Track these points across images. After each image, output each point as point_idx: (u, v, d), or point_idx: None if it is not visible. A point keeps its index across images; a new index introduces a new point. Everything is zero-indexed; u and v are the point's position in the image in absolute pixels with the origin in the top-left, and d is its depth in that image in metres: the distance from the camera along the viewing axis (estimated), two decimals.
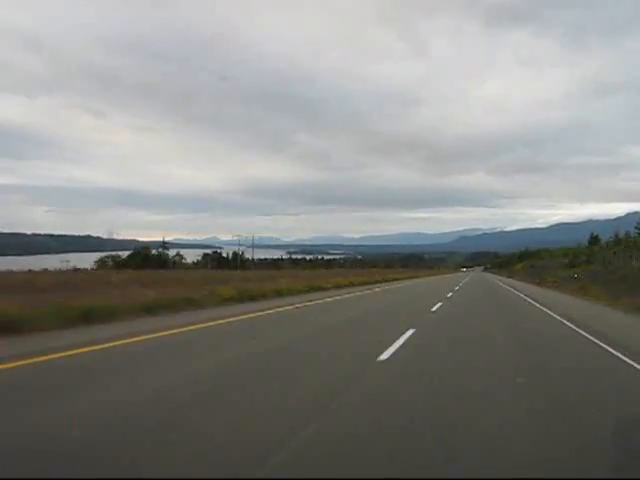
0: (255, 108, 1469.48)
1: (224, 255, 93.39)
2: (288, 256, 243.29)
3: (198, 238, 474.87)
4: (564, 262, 51.29)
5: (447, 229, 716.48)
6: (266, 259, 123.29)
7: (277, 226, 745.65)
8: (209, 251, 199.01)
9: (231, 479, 3.25)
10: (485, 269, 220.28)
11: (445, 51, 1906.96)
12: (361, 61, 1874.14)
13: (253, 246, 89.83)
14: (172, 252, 79.11)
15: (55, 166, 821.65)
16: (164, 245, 75.57)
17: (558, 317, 15.09)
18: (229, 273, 39.63)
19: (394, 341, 9.16)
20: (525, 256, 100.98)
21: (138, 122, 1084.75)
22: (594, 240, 69.83)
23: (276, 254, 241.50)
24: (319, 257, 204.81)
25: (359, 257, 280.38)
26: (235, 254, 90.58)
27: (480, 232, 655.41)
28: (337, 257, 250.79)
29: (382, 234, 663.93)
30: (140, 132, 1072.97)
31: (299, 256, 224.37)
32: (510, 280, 57.79)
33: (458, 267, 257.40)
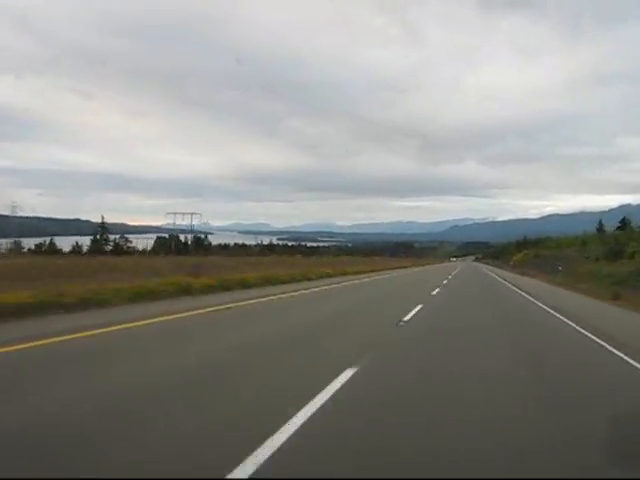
0: (248, 93, 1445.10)
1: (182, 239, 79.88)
2: (277, 243, 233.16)
3: (191, 223, 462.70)
4: (586, 251, 38.00)
5: (439, 218, 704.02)
6: (236, 244, 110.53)
7: (269, 212, 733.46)
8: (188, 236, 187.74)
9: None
10: (476, 259, 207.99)
11: (438, 37, 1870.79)
12: (354, 46, 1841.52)
13: (192, 231, 75.54)
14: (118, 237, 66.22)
15: (45, 149, 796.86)
16: (103, 226, 62.59)
17: None
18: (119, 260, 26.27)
19: None
20: (524, 245, 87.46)
21: (130, 105, 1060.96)
22: (622, 225, 56.36)
23: (266, 241, 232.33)
24: (303, 244, 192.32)
25: (349, 245, 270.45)
26: (197, 239, 77.63)
27: (471, 222, 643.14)
28: (327, 245, 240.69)
29: (374, 222, 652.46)
30: (132, 115, 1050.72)
31: (290, 243, 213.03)
32: (541, 286, 27.06)
33: (448, 257, 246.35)
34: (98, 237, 60.17)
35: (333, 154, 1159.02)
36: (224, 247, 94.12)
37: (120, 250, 60.68)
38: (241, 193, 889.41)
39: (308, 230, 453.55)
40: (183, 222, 78.12)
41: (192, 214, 72.08)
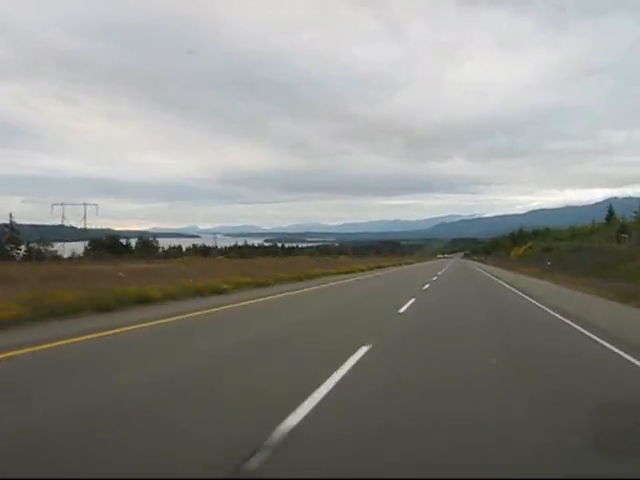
0: (229, 93, 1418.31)
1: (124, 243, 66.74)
2: (265, 244, 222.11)
3: (178, 227, 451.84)
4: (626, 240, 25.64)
5: (426, 216, 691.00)
6: (195, 247, 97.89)
7: (256, 214, 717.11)
8: (186, 240, 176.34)
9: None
10: (465, 256, 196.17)
11: (422, 33, 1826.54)
12: (336, 43, 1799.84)
13: (85, 230, 61.61)
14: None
15: (28, 155, 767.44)
16: (11, 228, 49.93)
17: None
18: None
19: None
20: (521, 238, 73.88)
21: (111, 109, 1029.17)
22: None
23: (254, 242, 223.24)
24: (290, 245, 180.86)
25: (336, 245, 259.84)
26: (143, 242, 64.89)
27: (458, 219, 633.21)
28: (313, 245, 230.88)
29: (362, 221, 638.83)
30: (114, 119, 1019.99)
31: (266, 244, 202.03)
32: None
33: (436, 254, 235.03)
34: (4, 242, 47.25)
35: (319, 153, 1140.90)
36: (178, 251, 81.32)
37: (37, 257, 47.83)
38: (227, 195, 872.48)
39: (296, 231, 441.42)
40: (167, 226, 65.30)
41: (85, 205, 58.95)
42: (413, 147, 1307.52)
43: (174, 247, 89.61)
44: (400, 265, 61.12)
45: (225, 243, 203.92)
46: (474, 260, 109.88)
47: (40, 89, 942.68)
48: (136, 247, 62.07)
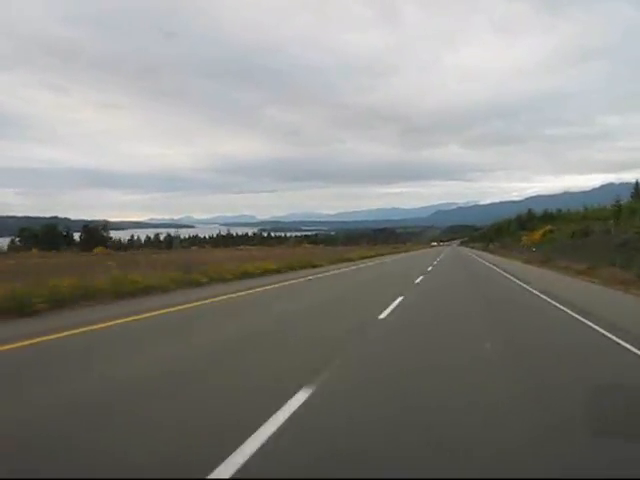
0: (224, 81, 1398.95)
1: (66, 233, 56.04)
2: (262, 234, 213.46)
3: (174, 217, 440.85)
4: None
5: (423, 204, 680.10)
6: (158, 239, 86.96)
7: (252, 204, 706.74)
8: (183, 231, 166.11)
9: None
10: (462, 243, 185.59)
11: (417, 18, 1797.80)
12: (331, 31, 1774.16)
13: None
14: None
15: (19, 146, 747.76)
16: None
17: None
18: None
19: None
20: (531, 221, 62.77)
21: (104, 99, 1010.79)
22: None
23: (249, 232, 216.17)
24: (285, 234, 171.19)
25: (332, 233, 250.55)
26: (89, 231, 54.39)
27: (455, 206, 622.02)
28: (310, 234, 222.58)
29: (358, 210, 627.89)
30: (106, 109, 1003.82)
31: (273, 234, 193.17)
32: None
33: (432, 241, 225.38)
34: None
35: (314, 142, 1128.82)
36: (129, 243, 70.83)
37: None
38: (222, 185, 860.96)
39: (293, 220, 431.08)
40: (163, 216, 55.10)
41: None
42: (409, 134, 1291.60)
43: (146, 239, 78.87)
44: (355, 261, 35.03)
45: (220, 232, 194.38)
46: (474, 249, 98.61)
47: (30, 79, 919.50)
48: (80, 238, 51.97)
